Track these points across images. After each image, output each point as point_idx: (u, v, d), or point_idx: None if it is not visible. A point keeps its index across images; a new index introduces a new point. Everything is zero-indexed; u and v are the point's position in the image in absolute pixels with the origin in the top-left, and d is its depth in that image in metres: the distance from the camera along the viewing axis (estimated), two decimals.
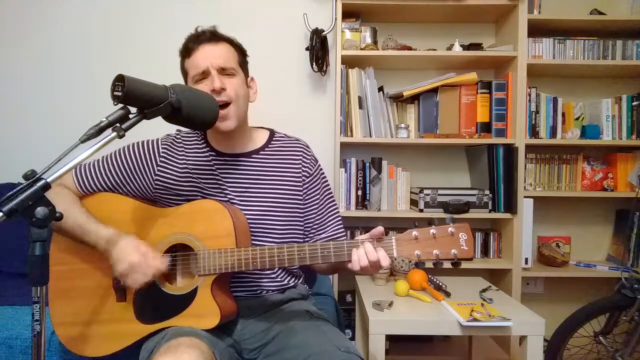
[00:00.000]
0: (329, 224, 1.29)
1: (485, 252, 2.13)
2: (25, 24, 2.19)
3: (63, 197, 1.16)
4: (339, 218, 1.31)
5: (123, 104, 0.91)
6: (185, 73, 1.23)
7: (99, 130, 0.87)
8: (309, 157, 1.29)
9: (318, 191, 1.29)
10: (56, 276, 1.16)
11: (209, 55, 1.16)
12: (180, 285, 1.13)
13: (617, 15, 2.14)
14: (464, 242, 1.01)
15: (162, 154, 1.24)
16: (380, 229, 1.03)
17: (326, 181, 1.33)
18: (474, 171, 2.23)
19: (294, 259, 1.04)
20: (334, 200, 1.33)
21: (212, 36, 1.19)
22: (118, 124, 0.89)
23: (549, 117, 2.10)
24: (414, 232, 1.02)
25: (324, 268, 1.25)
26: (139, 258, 1.04)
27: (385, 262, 0.99)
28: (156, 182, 1.22)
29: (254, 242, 1.19)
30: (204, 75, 1.16)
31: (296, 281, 1.28)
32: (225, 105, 1.16)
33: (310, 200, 1.27)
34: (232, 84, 1.17)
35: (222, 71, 1.17)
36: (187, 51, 1.19)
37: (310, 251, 1.04)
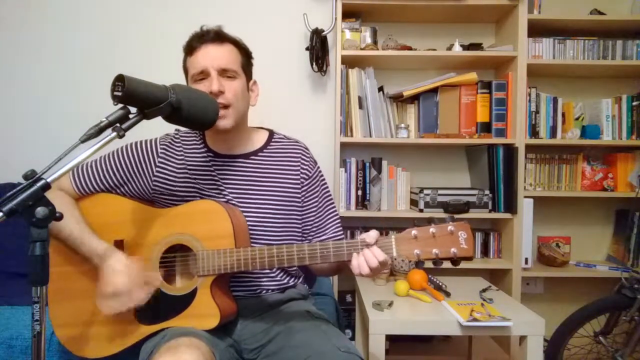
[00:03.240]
0: (327, 226, 1.28)
1: (485, 252, 2.13)
2: (25, 23, 2.19)
3: (58, 204, 1.14)
4: (338, 220, 1.31)
5: (123, 104, 0.91)
6: (186, 71, 1.22)
7: (99, 130, 0.87)
8: (308, 159, 1.29)
9: (317, 193, 1.28)
10: (56, 278, 1.15)
11: (211, 56, 1.15)
12: (179, 286, 1.13)
13: (617, 15, 2.14)
14: (463, 241, 1.00)
15: (160, 155, 1.23)
16: (371, 237, 1.02)
17: (325, 183, 1.32)
18: (474, 171, 2.23)
19: (293, 259, 1.04)
20: (332, 203, 1.32)
21: (216, 36, 1.17)
22: (118, 124, 0.89)
23: (549, 117, 2.10)
24: (413, 231, 1.01)
25: (324, 269, 1.24)
26: (124, 287, 1.03)
27: (377, 260, 1.00)
28: (154, 182, 1.21)
29: (252, 243, 1.18)
30: (204, 75, 1.15)
31: (296, 281, 1.27)
32: (223, 106, 1.14)
33: (309, 202, 1.26)
34: (232, 87, 1.16)
35: (223, 73, 1.15)
36: (189, 49, 1.18)
37: (310, 251, 1.03)
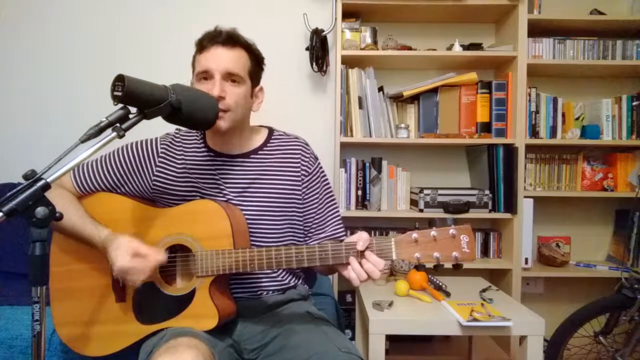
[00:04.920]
0: (328, 223, 1.28)
1: (485, 252, 2.13)
2: (24, 23, 2.20)
3: (60, 198, 1.15)
4: (339, 217, 1.30)
5: (123, 104, 0.91)
6: (193, 66, 1.21)
7: (99, 130, 0.87)
8: (307, 155, 1.28)
9: (318, 189, 1.27)
10: (57, 277, 1.17)
11: (218, 59, 1.13)
12: (179, 286, 1.13)
13: (617, 15, 2.14)
14: (465, 245, 0.98)
15: (161, 154, 1.23)
16: (363, 241, 1.00)
17: (326, 179, 1.31)
18: (474, 171, 2.23)
19: (292, 261, 1.03)
20: (334, 199, 1.31)
21: (228, 39, 1.15)
22: (118, 124, 0.89)
23: (549, 117, 2.10)
24: (414, 235, 1.00)
25: (322, 268, 1.24)
26: (128, 263, 1.03)
27: (378, 270, 0.99)
28: (154, 182, 1.21)
29: (253, 241, 1.18)
30: (208, 76, 1.14)
31: (296, 281, 1.27)
32: (221, 110, 1.13)
33: (309, 199, 1.26)
34: (234, 93, 1.14)
35: (228, 77, 1.14)
36: (200, 47, 1.17)
37: (308, 253, 1.03)
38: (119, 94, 0.88)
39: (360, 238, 1.00)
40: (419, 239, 1.00)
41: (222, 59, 1.14)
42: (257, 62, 1.23)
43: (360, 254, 1.00)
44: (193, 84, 1.19)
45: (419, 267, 1.01)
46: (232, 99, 1.14)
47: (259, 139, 1.28)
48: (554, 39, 2.07)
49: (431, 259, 0.99)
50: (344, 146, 2.06)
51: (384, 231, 2.14)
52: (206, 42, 1.15)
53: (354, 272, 1.00)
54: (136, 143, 1.25)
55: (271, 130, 1.31)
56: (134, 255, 1.04)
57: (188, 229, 1.11)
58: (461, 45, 2.05)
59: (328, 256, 1.02)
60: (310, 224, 1.27)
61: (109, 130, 0.89)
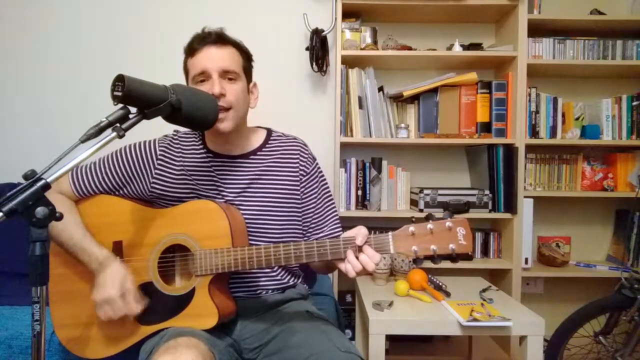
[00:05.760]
0: (327, 222, 1.28)
1: (485, 252, 2.13)
2: (25, 23, 2.20)
3: (59, 207, 1.15)
4: (337, 217, 1.31)
5: (123, 104, 0.91)
6: (186, 72, 1.22)
7: (99, 130, 0.87)
8: (306, 156, 1.28)
9: (316, 190, 1.28)
10: (57, 279, 1.16)
11: (212, 58, 1.15)
12: (178, 286, 1.13)
13: (617, 15, 2.14)
14: (462, 237, 0.99)
15: (159, 157, 1.23)
16: (361, 236, 1.01)
17: (324, 180, 1.32)
18: (474, 171, 2.23)
19: (290, 257, 1.04)
20: (332, 199, 1.32)
21: (218, 39, 1.17)
22: (118, 124, 0.89)
23: (549, 117, 2.10)
24: (411, 228, 1.01)
25: (320, 266, 1.24)
26: (117, 295, 1.04)
27: (373, 262, 0.99)
28: (152, 184, 1.21)
29: (252, 241, 1.18)
30: (205, 77, 1.15)
31: (296, 281, 1.27)
32: (224, 109, 1.14)
33: (307, 199, 1.26)
34: (233, 89, 1.16)
35: (224, 75, 1.16)
36: (191, 50, 1.18)
37: (307, 249, 1.03)
38: (119, 94, 0.88)
39: (359, 233, 1.01)
40: (416, 232, 1.01)
41: (217, 57, 1.15)
42: (247, 58, 1.25)
43: (358, 249, 1.00)
44: None
45: (417, 261, 1.01)
46: (232, 96, 1.15)
47: (258, 139, 1.28)
48: (554, 39, 2.07)
49: (428, 251, 0.99)
50: (344, 146, 2.06)
51: (383, 231, 2.13)
52: (197, 44, 1.17)
53: (349, 263, 1.00)
54: (134, 145, 1.25)
55: (270, 131, 1.32)
56: (122, 293, 1.05)
57: (187, 228, 1.11)
58: (461, 45, 2.05)
59: (326, 252, 1.02)
60: (308, 224, 1.27)
61: (109, 130, 0.89)
